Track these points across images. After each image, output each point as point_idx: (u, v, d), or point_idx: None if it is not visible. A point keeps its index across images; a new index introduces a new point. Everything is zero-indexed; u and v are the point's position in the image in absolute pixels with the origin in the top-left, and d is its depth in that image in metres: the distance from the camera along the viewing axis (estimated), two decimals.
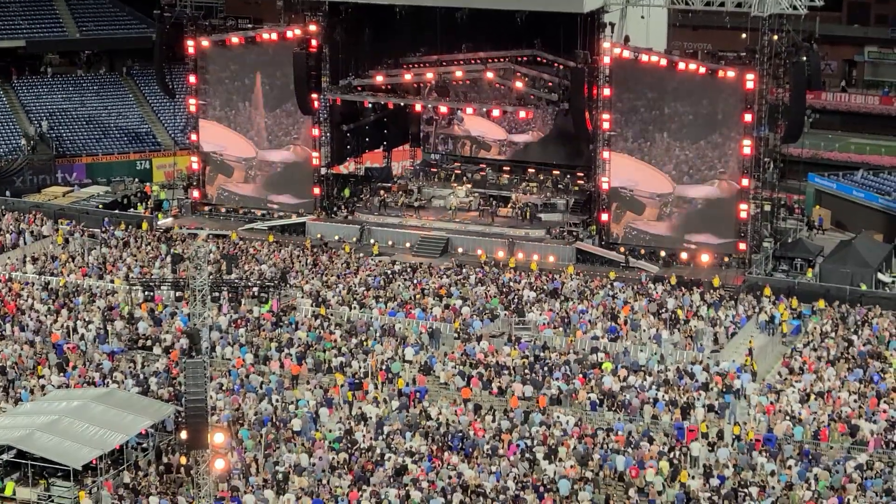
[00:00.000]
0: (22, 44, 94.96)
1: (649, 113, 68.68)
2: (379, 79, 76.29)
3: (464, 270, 66.59)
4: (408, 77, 76.16)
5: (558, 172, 78.08)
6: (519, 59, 75.21)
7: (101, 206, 79.07)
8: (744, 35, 69.70)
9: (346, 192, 77.71)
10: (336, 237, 72.85)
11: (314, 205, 75.83)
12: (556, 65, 73.99)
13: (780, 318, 59.98)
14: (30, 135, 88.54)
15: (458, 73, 75.55)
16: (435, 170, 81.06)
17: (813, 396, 51.47)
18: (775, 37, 66.49)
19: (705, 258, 68.05)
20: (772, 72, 67.21)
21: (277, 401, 51.07)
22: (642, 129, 68.94)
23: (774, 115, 68.13)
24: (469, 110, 76.05)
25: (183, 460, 45.63)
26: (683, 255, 68.47)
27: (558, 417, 49.87)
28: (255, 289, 60.66)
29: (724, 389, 52.18)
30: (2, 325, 58.42)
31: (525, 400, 51.70)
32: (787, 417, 49.55)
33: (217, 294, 57.44)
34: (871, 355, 55.72)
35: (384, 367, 54.19)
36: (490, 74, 74.39)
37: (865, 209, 75.95)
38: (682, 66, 67.34)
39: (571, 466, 46.10)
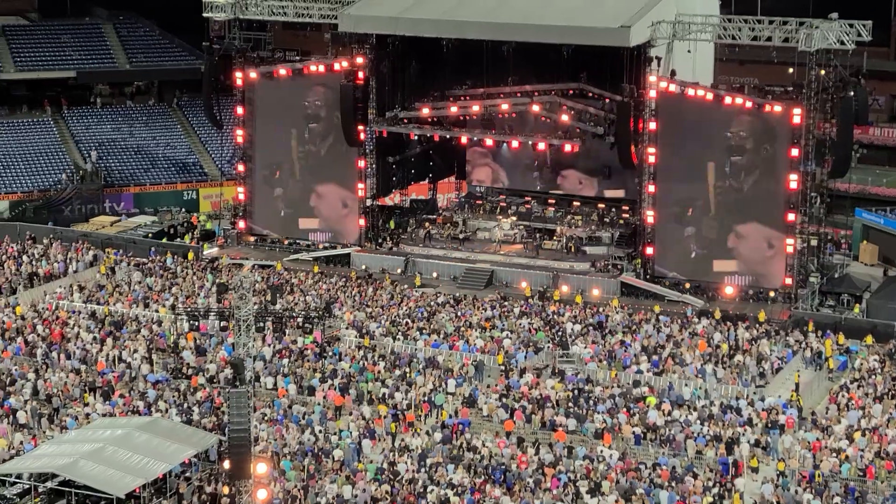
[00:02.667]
0: (72, 74, 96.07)
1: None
2: (425, 111, 76.59)
3: (507, 303, 66.50)
4: (454, 110, 76.42)
5: (603, 205, 78.00)
6: (565, 92, 75.28)
7: (149, 235, 79.66)
8: (791, 70, 69.54)
9: (392, 224, 77.92)
10: (380, 269, 73.00)
11: (359, 236, 76.03)
12: (602, 98, 74.00)
13: (825, 353, 59.53)
14: (79, 165, 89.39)
15: (504, 106, 75.72)
16: (480, 202, 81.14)
17: (860, 433, 51.00)
18: (823, 72, 66.28)
19: (729, 290, 67.79)
20: (819, 107, 66.92)
21: (320, 431, 51.11)
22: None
23: (821, 149, 67.80)
24: (514, 143, 76.12)
25: (225, 490, 45.68)
26: (728, 290, 68.12)
27: (602, 451, 49.63)
28: (300, 319, 60.82)
29: (770, 425, 51.80)
30: (48, 353, 58.84)
31: (571, 434, 51.55)
32: (834, 454, 49.10)
33: (261, 324, 57.60)
34: None
35: (427, 399, 54.17)
36: (536, 107, 74.52)
37: None
38: (728, 100, 67.19)
39: (615, 501, 45.84)
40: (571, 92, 75.52)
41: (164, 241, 78.40)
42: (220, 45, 78.61)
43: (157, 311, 64.34)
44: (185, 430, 49.31)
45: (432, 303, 66.38)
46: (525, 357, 58.91)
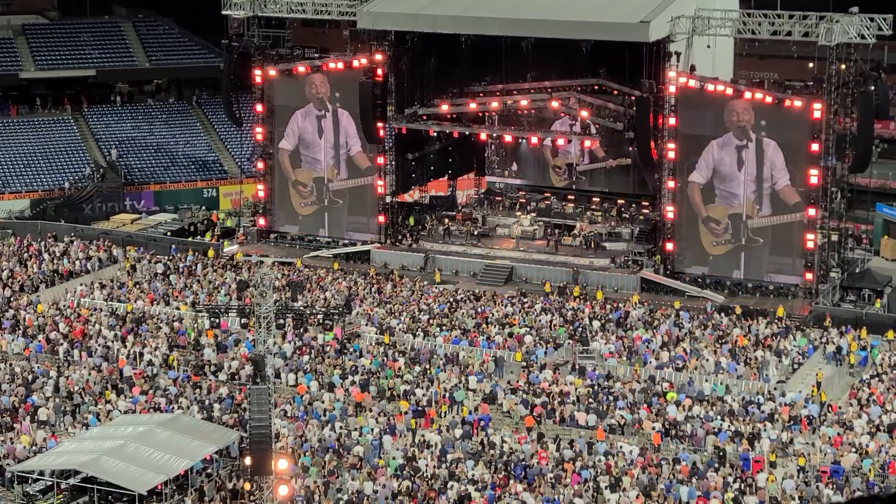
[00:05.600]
0: (92, 73, 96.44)
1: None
2: (444, 108, 76.59)
3: (527, 299, 66.50)
4: (473, 106, 76.41)
5: (623, 201, 77.93)
6: (584, 88, 75.21)
7: (169, 232, 79.87)
8: (811, 64, 69.32)
9: (411, 221, 77.96)
10: (400, 265, 73.06)
11: (379, 233, 76.10)
12: (621, 94, 73.91)
13: (847, 349, 59.37)
14: (99, 163, 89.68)
15: (523, 102, 75.67)
16: (499, 198, 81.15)
17: (881, 429, 50.86)
18: (843, 66, 66.00)
19: (770, 287, 67.64)
20: (839, 101, 66.71)
21: (341, 428, 51.19)
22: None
23: (842, 144, 67.57)
24: (534, 139, 76.11)
25: (247, 486, 45.82)
26: (749, 285, 67.99)
27: (621, 447, 49.61)
28: (320, 316, 60.92)
29: (790, 421, 51.71)
30: (70, 350, 59.06)
31: (591, 429, 51.56)
32: (855, 450, 48.99)
33: (282, 321, 57.73)
34: None
35: (447, 395, 54.20)
36: (555, 103, 74.45)
37: None
38: (748, 95, 67.05)
39: (636, 497, 45.83)
40: (591, 88, 75.41)
41: (190, 238, 78.55)
42: (239, 42, 78.66)
43: (177, 308, 64.53)
44: (206, 427, 49.50)
45: (452, 299, 66.40)
46: (545, 353, 58.91)
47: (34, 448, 49.23)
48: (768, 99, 66.60)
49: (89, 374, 55.93)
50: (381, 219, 76.05)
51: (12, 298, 66.02)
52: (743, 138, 67.31)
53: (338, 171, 76.74)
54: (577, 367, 57.42)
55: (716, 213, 68.65)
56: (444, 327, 61.77)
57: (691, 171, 68.52)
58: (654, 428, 51.07)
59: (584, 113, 73.51)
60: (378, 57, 74.43)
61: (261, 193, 78.96)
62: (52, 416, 52.37)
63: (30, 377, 55.76)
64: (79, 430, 51.35)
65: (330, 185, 76.87)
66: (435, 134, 78.59)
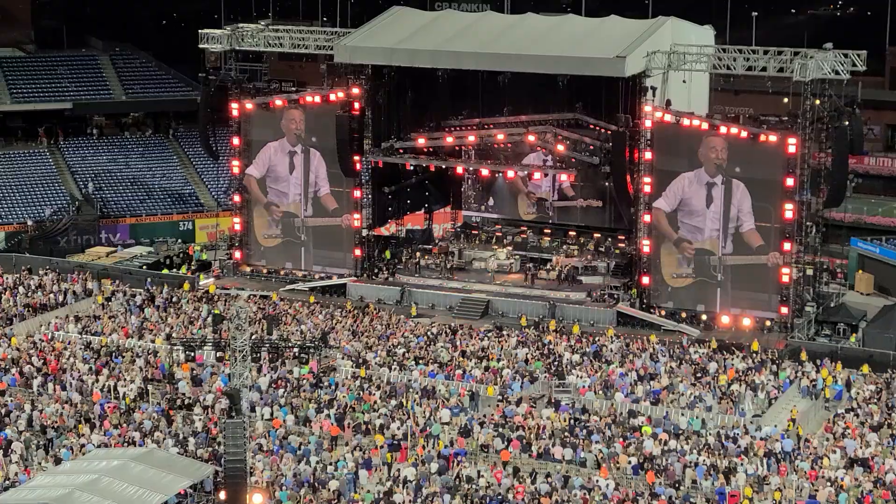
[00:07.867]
0: (69, 106, 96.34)
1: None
2: (421, 141, 76.75)
3: (503, 332, 66.49)
4: (449, 140, 76.59)
5: (599, 235, 78.08)
6: (560, 122, 75.47)
7: (144, 266, 79.65)
8: (786, 100, 69.80)
9: (387, 254, 77.97)
10: (377, 299, 73.00)
11: (355, 266, 76.04)
12: (597, 128, 74.17)
13: (822, 383, 59.48)
14: (75, 195, 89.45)
15: (500, 136, 75.91)
16: (476, 232, 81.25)
17: (856, 463, 50.92)
18: (817, 101, 66.50)
19: (747, 322, 67.74)
20: (814, 136, 67.16)
21: (317, 462, 50.97)
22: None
23: (817, 179, 68.02)
24: (510, 173, 76.31)
25: None
26: (724, 319, 68.17)
27: (598, 481, 49.50)
28: (296, 349, 60.75)
29: (767, 457, 51.70)
30: (44, 384, 58.69)
31: (568, 463, 51.43)
32: (830, 484, 49.02)
33: (257, 354, 57.53)
34: None
35: (422, 429, 54.03)
36: (531, 137, 74.70)
37: None
38: (723, 130, 67.38)
39: None
40: (567, 122, 75.65)
41: (166, 271, 78.35)
42: (217, 76, 78.81)
43: (152, 341, 64.27)
44: (180, 461, 49.15)
45: (428, 333, 66.33)
46: (521, 387, 58.84)
47: (6, 482, 48.85)
48: (743, 134, 66.94)
49: (62, 408, 55.57)
50: (358, 252, 76.04)
51: None
52: (715, 175, 67.65)
53: (305, 209, 76.86)
54: (553, 400, 57.36)
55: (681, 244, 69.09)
56: (420, 361, 61.66)
57: (657, 198, 68.93)
58: (630, 462, 50.98)
59: (561, 147, 73.69)
60: (355, 91, 74.64)
61: (237, 226, 78.90)
62: (24, 450, 51.96)
63: (3, 411, 55.39)
64: (52, 464, 50.97)
65: (304, 220, 76.85)
66: (411, 167, 78.71)
